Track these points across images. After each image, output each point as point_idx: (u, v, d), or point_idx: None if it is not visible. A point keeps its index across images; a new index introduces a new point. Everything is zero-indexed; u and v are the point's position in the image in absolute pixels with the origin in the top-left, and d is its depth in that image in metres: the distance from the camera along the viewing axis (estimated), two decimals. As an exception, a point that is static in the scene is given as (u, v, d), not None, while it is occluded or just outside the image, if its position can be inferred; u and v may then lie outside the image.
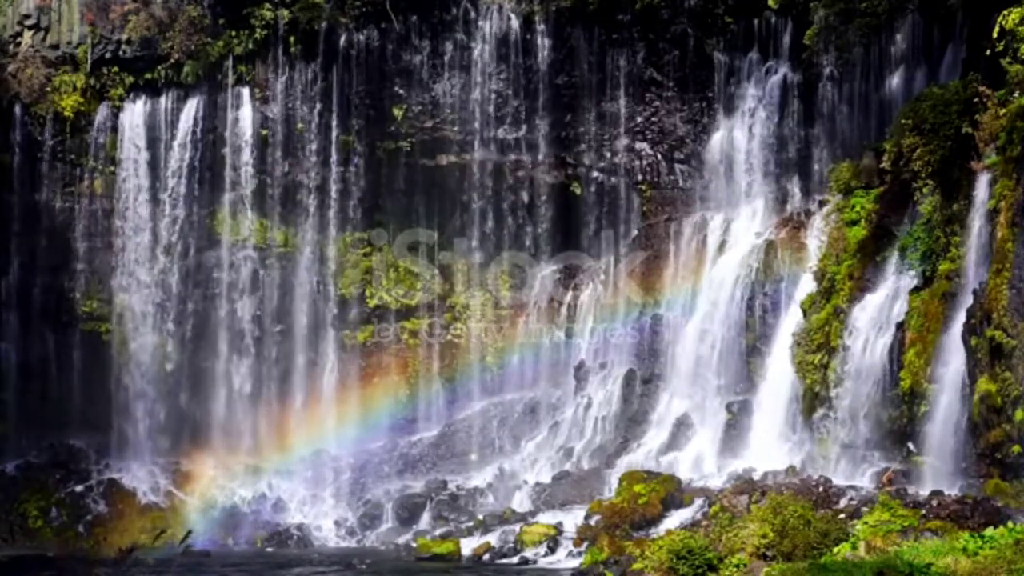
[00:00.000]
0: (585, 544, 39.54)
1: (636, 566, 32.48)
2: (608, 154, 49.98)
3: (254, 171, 49.40)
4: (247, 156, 49.27)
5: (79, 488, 47.44)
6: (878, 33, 43.01)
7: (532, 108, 49.79)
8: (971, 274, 35.18)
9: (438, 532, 44.79)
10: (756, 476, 40.52)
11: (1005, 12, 34.73)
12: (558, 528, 41.69)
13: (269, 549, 45.60)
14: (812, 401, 40.62)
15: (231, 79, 49.01)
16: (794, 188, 47.18)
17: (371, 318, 50.73)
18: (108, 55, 48.38)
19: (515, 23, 49.36)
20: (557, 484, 45.78)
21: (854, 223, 41.59)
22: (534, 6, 49.25)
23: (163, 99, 48.91)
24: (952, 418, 34.90)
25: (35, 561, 42.24)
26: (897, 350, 37.40)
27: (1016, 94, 34.27)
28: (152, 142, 48.94)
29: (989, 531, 24.92)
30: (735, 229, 47.32)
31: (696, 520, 38.21)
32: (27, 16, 48.15)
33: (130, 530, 45.87)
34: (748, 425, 43.68)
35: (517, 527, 42.37)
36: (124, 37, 48.24)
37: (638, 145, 49.66)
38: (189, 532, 45.28)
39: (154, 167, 49.05)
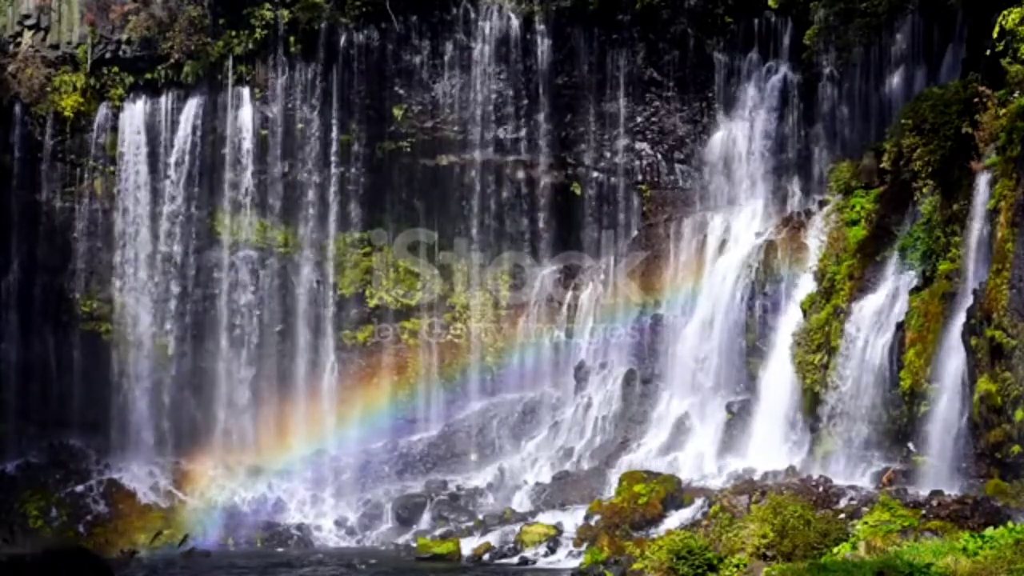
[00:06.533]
0: (585, 544, 39.56)
1: (636, 566, 32.49)
2: (608, 154, 49.99)
3: (254, 171, 49.38)
4: (247, 156, 49.26)
5: (79, 488, 47.42)
6: (878, 33, 43.01)
7: (532, 108, 49.80)
8: (971, 274, 35.18)
9: (438, 532, 44.77)
10: (756, 476, 40.52)
11: (1005, 12, 34.75)
12: (558, 528, 41.68)
13: (280, 549, 45.54)
14: (812, 401, 40.61)
15: (231, 79, 49.00)
16: (794, 188, 47.19)
17: (371, 318, 50.73)
18: (108, 55, 48.36)
19: (515, 23, 49.37)
20: (557, 484, 45.78)
21: (854, 223, 41.60)
22: (534, 6, 49.25)
23: (163, 99, 48.87)
24: (952, 418, 34.91)
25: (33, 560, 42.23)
26: (897, 350, 37.40)
27: (1016, 94, 34.28)
28: (152, 142, 48.91)
29: (989, 531, 24.91)
30: (735, 229, 47.32)
31: (696, 520, 38.22)
32: (27, 16, 48.12)
33: (130, 530, 45.86)
34: (748, 425, 43.69)
35: (517, 527, 42.37)
36: (124, 37, 48.21)
37: (638, 145, 49.68)
38: (186, 536, 45.25)
39: (154, 167, 49.02)
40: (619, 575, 34.85)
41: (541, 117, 49.84)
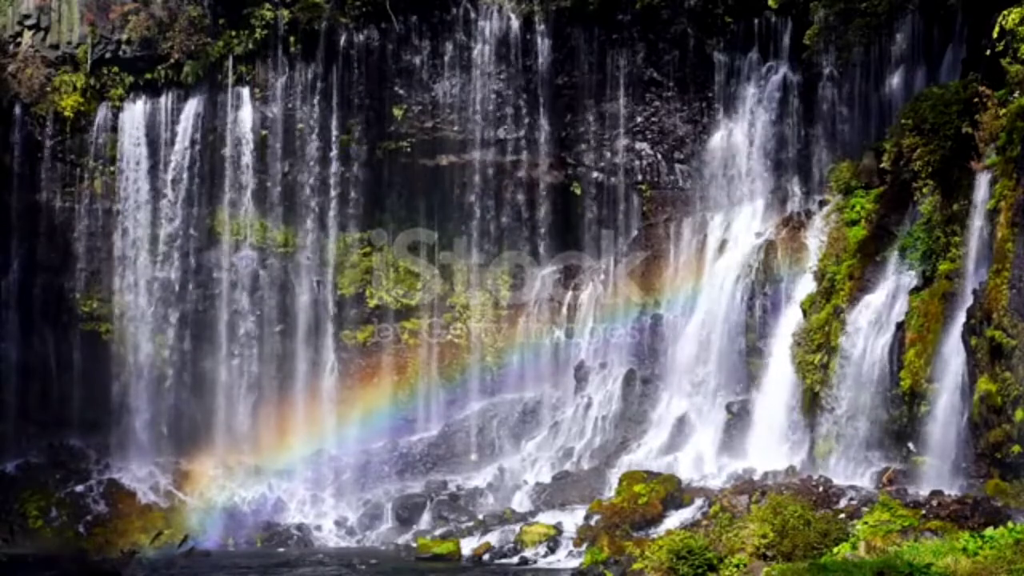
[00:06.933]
0: (585, 544, 39.55)
1: (636, 566, 32.51)
2: (608, 154, 49.99)
3: (254, 171, 49.39)
4: (247, 156, 49.27)
5: (79, 488, 47.43)
6: (878, 33, 43.00)
7: (532, 108, 49.81)
8: (971, 274, 35.18)
9: (438, 532, 44.78)
10: (756, 476, 40.54)
11: (1005, 12, 34.76)
12: (558, 528, 41.69)
13: (280, 549, 45.53)
14: (812, 401, 40.61)
15: (231, 79, 49.01)
16: (794, 188, 47.21)
17: (371, 318, 50.74)
18: (108, 55, 48.38)
19: (515, 23, 49.37)
20: (557, 484, 45.79)
21: (854, 223, 41.60)
22: (534, 6, 49.26)
23: (163, 99, 48.89)
24: (952, 418, 34.90)
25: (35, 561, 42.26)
26: (897, 350, 37.39)
27: (1016, 94, 34.28)
28: (152, 142, 48.94)
29: (989, 531, 24.94)
30: (735, 229, 47.33)
31: (696, 520, 38.23)
32: (27, 16, 48.14)
33: (130, 530, 45.85)
34: (748, 425, 43.69)
35: (517, 527, 42.37)
36: (124, 37, 48.24)
37: (638, 145, 49.68)
38: (186, 536, 45.21)
39: (154, 167, 49.04)
40: (619, 575, 34.85)
41: (541, 117, 49.85)
